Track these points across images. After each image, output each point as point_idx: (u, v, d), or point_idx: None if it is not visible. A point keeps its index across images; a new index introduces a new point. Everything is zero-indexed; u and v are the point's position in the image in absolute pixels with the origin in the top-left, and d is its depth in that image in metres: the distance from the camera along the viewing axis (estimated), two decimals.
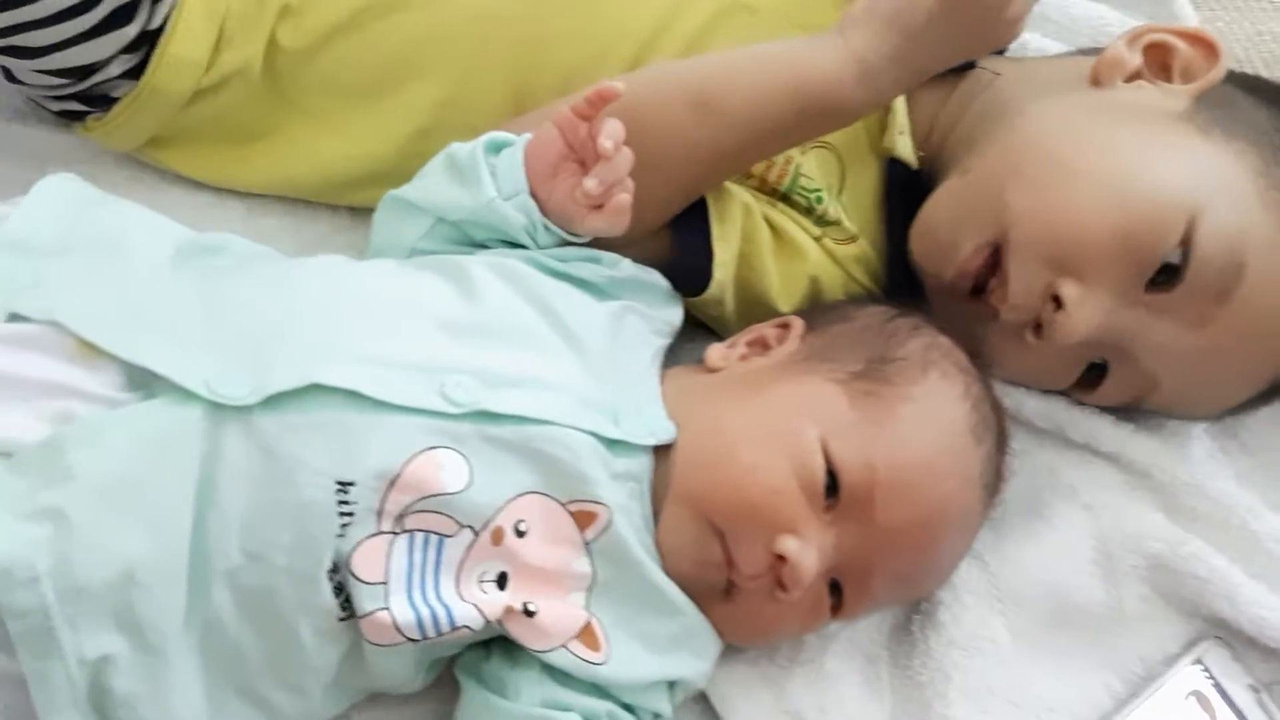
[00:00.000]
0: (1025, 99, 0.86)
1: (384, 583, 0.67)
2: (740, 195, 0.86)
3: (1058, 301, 0.80)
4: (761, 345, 0.82)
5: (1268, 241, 0.79)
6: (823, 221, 0.88)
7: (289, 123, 0.89)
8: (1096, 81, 0.87)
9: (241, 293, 0.73)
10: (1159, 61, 0.87)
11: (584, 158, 0.76)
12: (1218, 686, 0.86)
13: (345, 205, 0.93)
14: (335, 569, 0.67)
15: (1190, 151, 0.81)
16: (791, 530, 0.72)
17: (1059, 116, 0.84)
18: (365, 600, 0.67)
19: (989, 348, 0.83)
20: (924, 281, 0.88)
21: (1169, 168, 0.80)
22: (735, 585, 0.73)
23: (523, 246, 0.79)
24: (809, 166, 0.88)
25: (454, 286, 0.76)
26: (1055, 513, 0.88)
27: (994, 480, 0.80)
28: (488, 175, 0.77)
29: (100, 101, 0.88)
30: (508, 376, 0.72)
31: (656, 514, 0.74)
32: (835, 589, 0.76)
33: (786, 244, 0.87)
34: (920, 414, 0.75)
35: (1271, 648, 0.86)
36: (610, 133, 0.74)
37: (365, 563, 0.67)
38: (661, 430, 0.75)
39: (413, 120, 0.88)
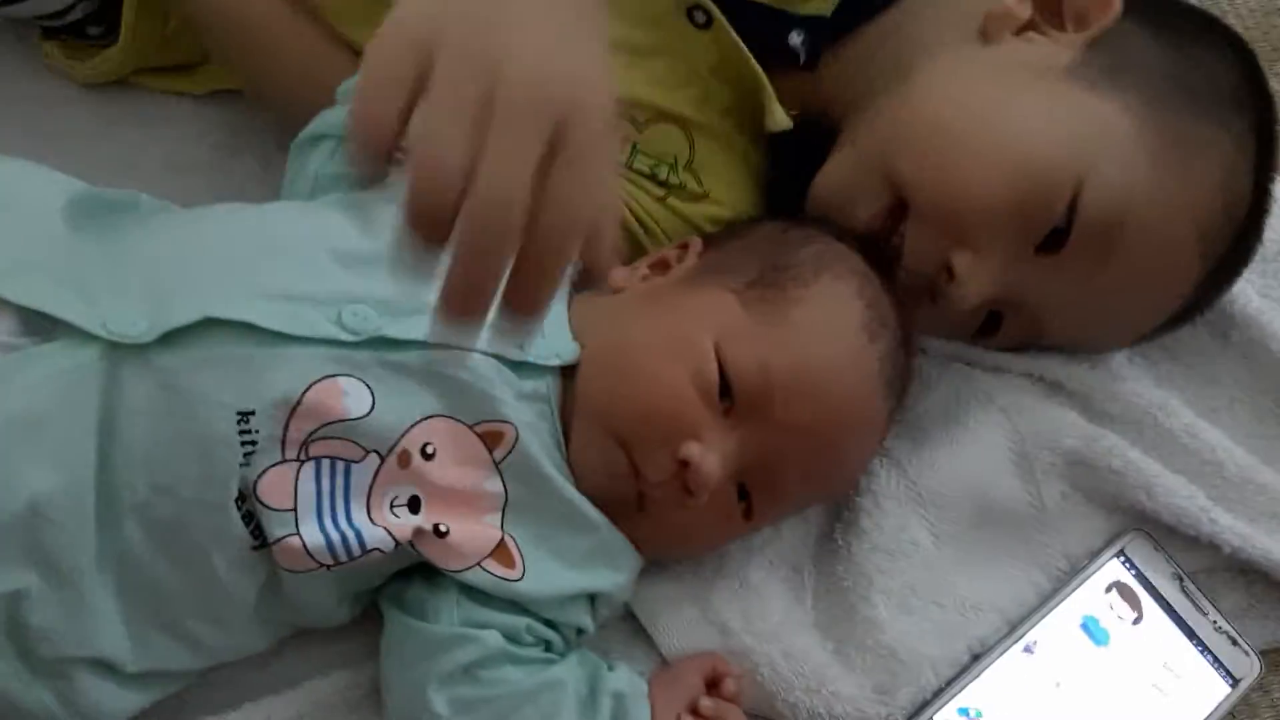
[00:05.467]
0: (913, 61, 0.85)
1: (292, 509, 0.68)
2: None
3: (950, 272, 0.82)
4: (663, 266, 0.83)
5: (1149, 194, 0.80)
6: (665, 185, 0.89)
7: None
8: (985, 36, 0.85)
9: (138, 238, 0.74)
10: (1051, 5, 0.85)
11: None
12: (1141, 577, 0.88)
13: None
14: (243, 498, 0.68)
15: (1076, 112, 0.81)
16: (693, 436, 0.73)
17: (946, 83, 0.84)
18: (275, 527, 0.68)
19: None
20: None
21: (1054, 134, 0.80)
22: (645, 495, 0.75)
23: None
24: (647, 144, 0.88)
25: (353, 221, 0.77)
26: (971, 417, 0.89)
27: (896, 377, 0.81)
28: None
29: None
30: (408, 305, 0.72)
31: (569, 435, 0.75)
32: (744, 495, 0.77)
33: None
34: (812, 315, 0.77)
35: (1191, 536, 0.87)
36: None
37: (272, 490, 0.68)
38: (566, 350, 0.76)
39: None
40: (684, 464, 0.73)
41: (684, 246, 0.84)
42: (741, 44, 0.85)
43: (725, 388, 0.74)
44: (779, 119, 0.86)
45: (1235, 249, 0.86)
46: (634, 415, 0.74)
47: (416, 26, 0.50)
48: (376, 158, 0.50)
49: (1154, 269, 0.83)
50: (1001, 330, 0.87)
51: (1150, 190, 0.80)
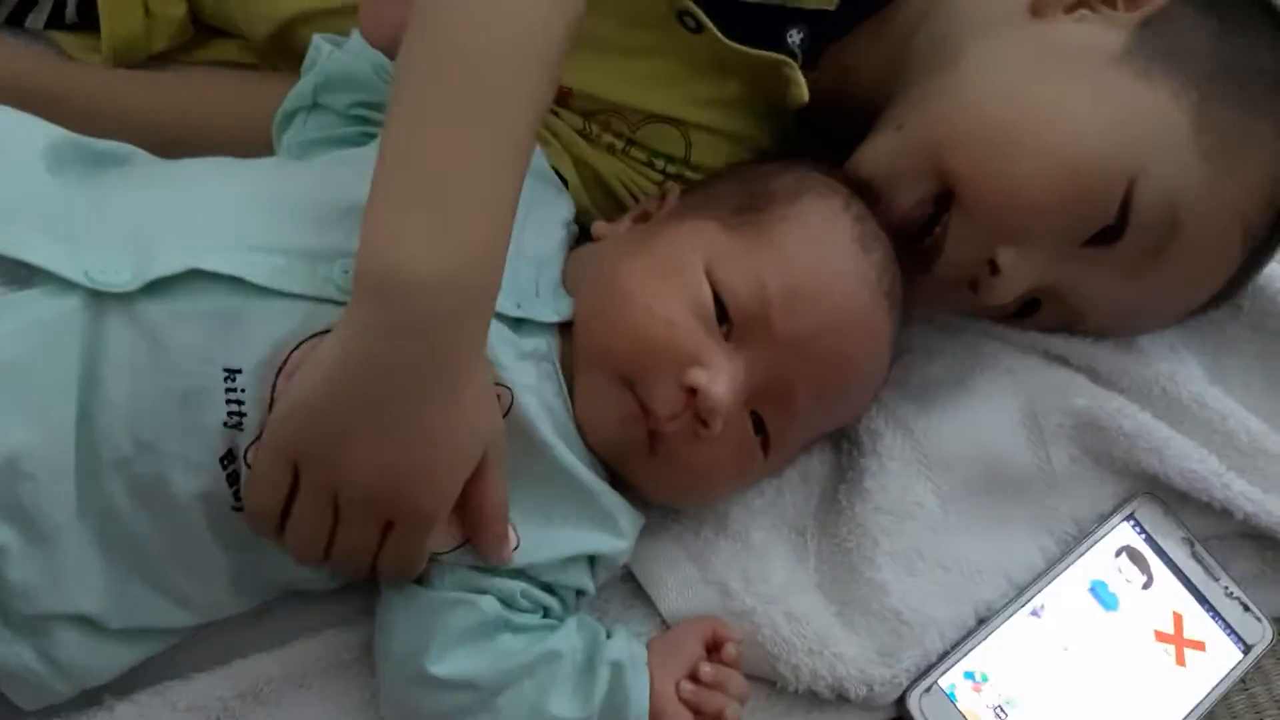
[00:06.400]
0: (961, 39, 0.83)
1: None
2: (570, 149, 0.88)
3: (994, 266, 0.80)
4: (643, 217, 0.82)
5: (1201, 191, 0.79)
6: (663, 173, 0.89)
7: None
8: (1036, 11, 0.82)
9: (123, 187, 0.71)
10: None
11: None
12: (1150, 541, 0.86)
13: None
14: (230, 457, 0.66)
15: (1130, 105, 0.78)
16: (696, 361, 0.71)
17: (998, 72, 0.81)
18: None
19: (921, 288, 0.82)
20: None
21: (1108, 132, 0.78)
22: (657, 435, 0.73)
23: None
24: (643, 139, 0.88)
25: (345, 174, 0.74)
26: (979, 380, 0.88)
27: (894, 289, 0.79)
28: (325, 43, 0.82)
29: None
30: None
31: (573, 391, 0.74)
32: (760, 427, 0.75)
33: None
34: (800, 228, 0.76)
35: (1203, 502, 0.85)
36: None
37: None
38: (563, 306, 0.75)
39: None
40: (692, 392, 0.71)
41: (663, 197, 0.83)
42: (736, 47, 0.83)
43: (722, 312, 0.72)
44: (801, 93, 0.84)
45: (1272, 235, 0.84)
46: (633, 349, 0.72)
47: (284, 445, 0.64)
48: (269, 533, 0.66)
49: (1200, 262, 0.82)
50: (1039, 314, 0.85)
51: (1202, 187, 0.78)
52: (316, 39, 0.83)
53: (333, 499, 0.64)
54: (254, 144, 0.83)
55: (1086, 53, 0.80)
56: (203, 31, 0.99)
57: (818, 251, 0.75)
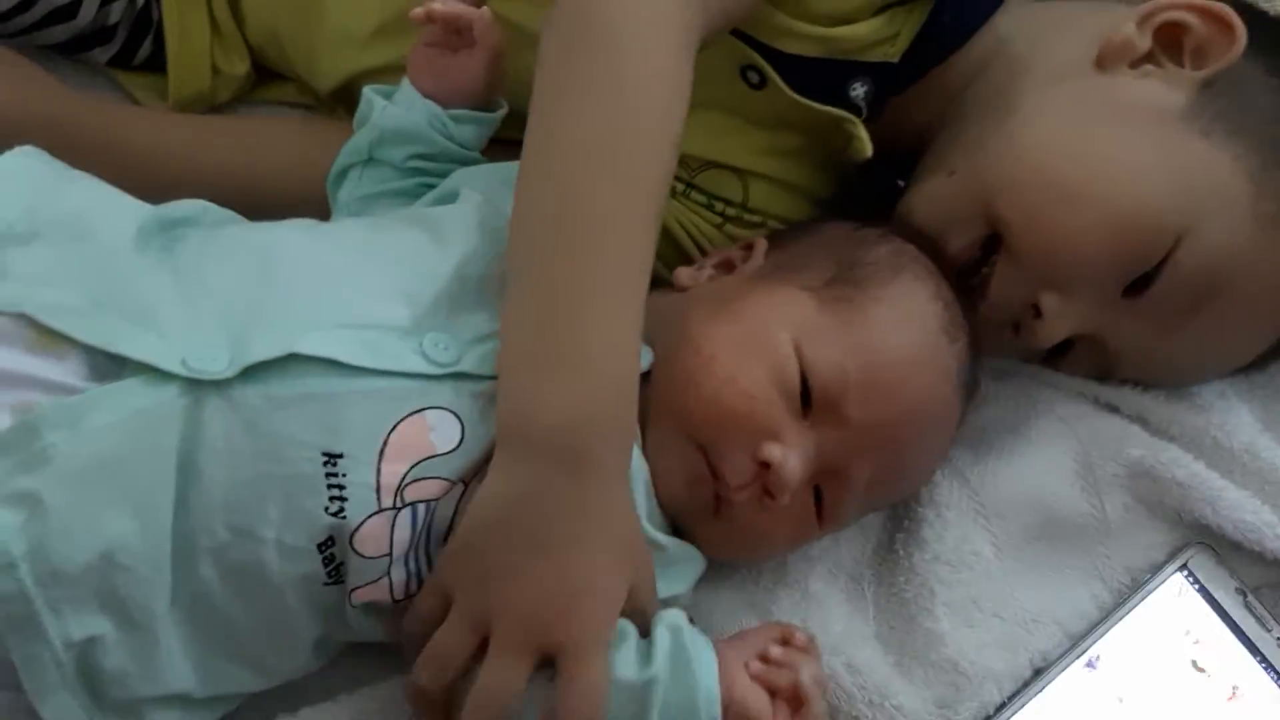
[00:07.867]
0: (1022, 88, 0.83)
1: (387, 554, 0.68)
2: None
3: (1036, 310, 0.81)
4: (727, 266, 0.82)
5: (1252, 256, 0.79)
6: (723, 216, 0.89)
7: None
8: (1101, 65, 0.82)
9: (212, 264, 0.71)
10: (1171, 39, 0.82)
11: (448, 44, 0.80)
12: (1204, 591, 0.87)
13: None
14: (330, 542, 0.67)
15: (1188, 163, 0.78)
16: (773, 436, 0.72)
17: (1054, 120, 0.81)
18: (367, 573, 0.68)
19: None
20: None
21: (1164, 187, 0.78)
22: (724, 499, 0.74)
23: (461, 162, 0.81)
24: (702, 184, 0.88)
25: (422, 239, 0.75)
26: (1034, 429, 0.88)
27: (970, 379, 0.80)
28: (377, 97, 0.82)
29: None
30: (484, 331, 0.71)
31: (646, 441, 0.74)
32: (817, 498, 0.76)
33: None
34: (892, 314, 0.76)
35: (1256, 552, 0.86)
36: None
37: (368, 540, 0.67)
38: (643, 358, 0.74)
39: None
40: (764, 465, 0.71)
41: (748, 247, 0.83)
42: (800, 101, 0.83)
43: (803, 389, 0.73)
44: (865, 148, 0.84)
45: None
46: (712, 417, 0.72)
47: (444, 581, 0.67)
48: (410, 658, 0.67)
49: (1245, 326, 0.83)
50: (1071, 356, 0.86)
51: (1254, 253, 0.79)
52: (367, 92, 0.83)
53: (479, 631, 0.65)
54: (318, 194, 0.85)
55: (1148, 109, 0.80)
56: (262, 73, 0.99)
57: (905, 341, 0.76)
